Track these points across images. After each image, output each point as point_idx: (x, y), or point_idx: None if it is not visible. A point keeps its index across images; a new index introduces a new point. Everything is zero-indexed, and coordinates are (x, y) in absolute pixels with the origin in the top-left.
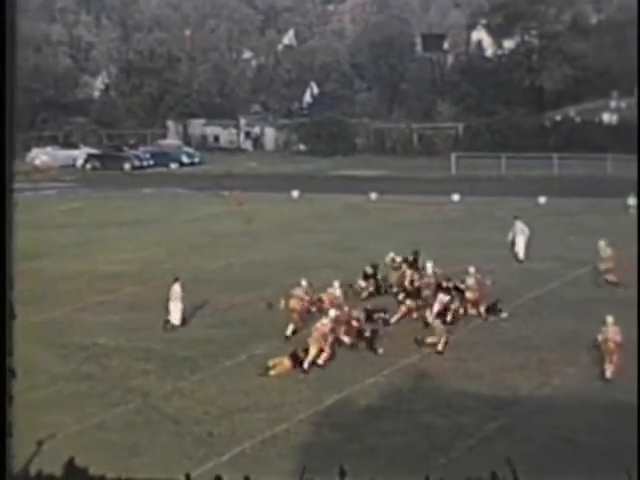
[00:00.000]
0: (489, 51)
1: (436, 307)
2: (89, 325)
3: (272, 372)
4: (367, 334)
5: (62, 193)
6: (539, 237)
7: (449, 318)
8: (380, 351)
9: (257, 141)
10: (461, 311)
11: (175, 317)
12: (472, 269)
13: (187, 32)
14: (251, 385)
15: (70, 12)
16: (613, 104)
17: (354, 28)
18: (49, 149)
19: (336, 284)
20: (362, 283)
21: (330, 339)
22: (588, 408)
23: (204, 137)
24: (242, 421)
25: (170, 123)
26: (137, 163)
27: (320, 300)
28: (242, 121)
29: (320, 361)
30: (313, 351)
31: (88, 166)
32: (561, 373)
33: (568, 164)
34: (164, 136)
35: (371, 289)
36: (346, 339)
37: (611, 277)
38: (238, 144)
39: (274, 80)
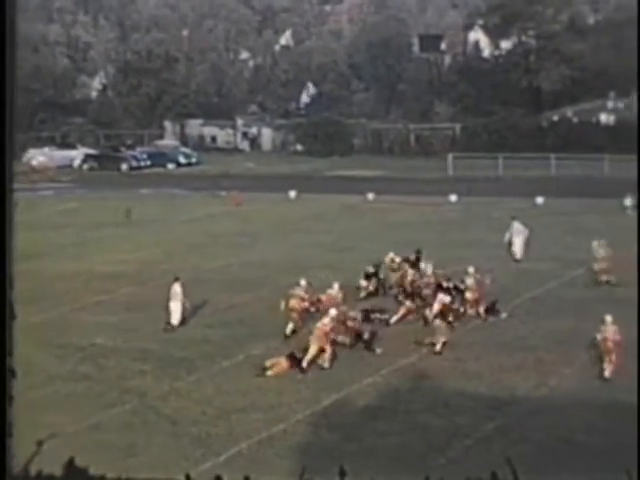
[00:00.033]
0: (486, 52)
1: (436, 307)
2: (86, 325)
3: (269, 372)
4: (366, 336)
5: (59, 193)
6: (536, 237)
7: (451, 318)
8: (378, 351)
9: (254, 141)
10: (461, 310)
11: (175, 317)
12: (471, 269)
13: (185, 32)
14: (248, 385)
15: (68, 12)
16: (610, 104)
17: (351, 29)
18: (46, 149)
19: (336, 285)
20: (363, 283)
21: (331, 338)
22: (585, 408)
23: (201, 137)
24: (239, 421)
25: (167, 123)
26: (134, 163)
27: (319, 300)
28: (239, 121)
29: (325, 364)
30: (313, 350)
31: (85, 166)
32: (558, 373)
33: (565, 164)
34: (161, 136)
35: (371, 289)
36: (341, 339)
37: (605, 277)
38: (235, 144)
39: (271, 80)
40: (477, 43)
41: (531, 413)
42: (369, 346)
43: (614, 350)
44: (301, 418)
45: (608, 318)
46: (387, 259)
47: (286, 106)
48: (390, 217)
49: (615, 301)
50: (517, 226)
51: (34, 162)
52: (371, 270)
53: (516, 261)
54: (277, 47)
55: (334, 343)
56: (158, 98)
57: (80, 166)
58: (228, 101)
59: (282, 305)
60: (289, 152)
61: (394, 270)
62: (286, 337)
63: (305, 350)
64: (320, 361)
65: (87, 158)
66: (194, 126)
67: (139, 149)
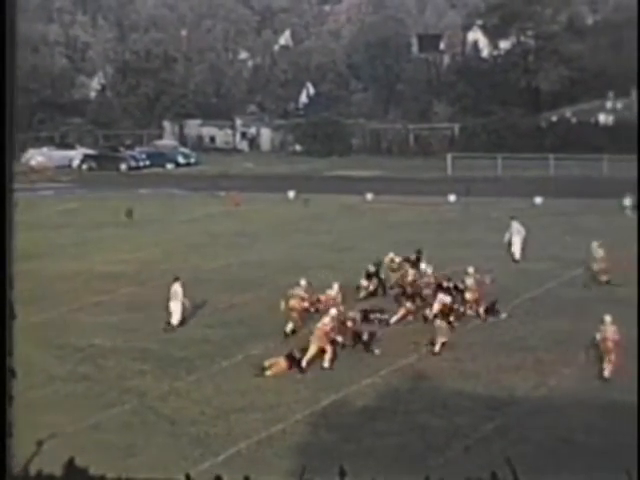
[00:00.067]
0: (485, 52)
1: (436, 307)
2: (85, 326)
3: (268, 372)
4: (365, 337)
5: (58, 194)
6: (535, 237)
7: (452, 318)
8: (377, 352)
9: (253, 141)
10: (461, 310)
11: (175, 317)
12: (471, 269)
13: (183, 32)
14: (247, 385)
15: (66, 12)
16: (609, 105)
17: (350, 29)
18: (45, 150)
19: (335, 286)
20: (364, 282)
21: (331, 339)
22: (585, 408)
23: (200, 137)
24: (238, 421)
25: (166, 123)
26: (133, 163)
27: (318, 300)
28: (238, 121)
29: (326, 364)
30: (313, 350)
31: (84, 166)
32: (557, 373)
33: (564, 165)
34: (160, 136)
35: (372, 288)
36: (339, 339)
37: (604, 277)
38: (234, 144)
39: (270, 80)
40: (476, 43)
41: (530, 413)
42: (368, 347)
43: (614, 350)
44: (300, 418)
45: (607, 318)
46: (387, 259)
47: (285, 106)
48: (389, 217)
49: (614, 301)
50: (516, 226)
51: (33, 162)
52: (372, 269)
53: (515, 261)
54: (276, 47)
55: (334, 343)
56: (157, 98)
57: (79, 166)
58: (227, 101)
59: (282, 305)
60: (288, 152)
61: (394, 270)
62: (286, 336)
63: (304, 350)
64: (321, 361)
65: (86, 158)
66: (193, 126)
67: (138, 149)
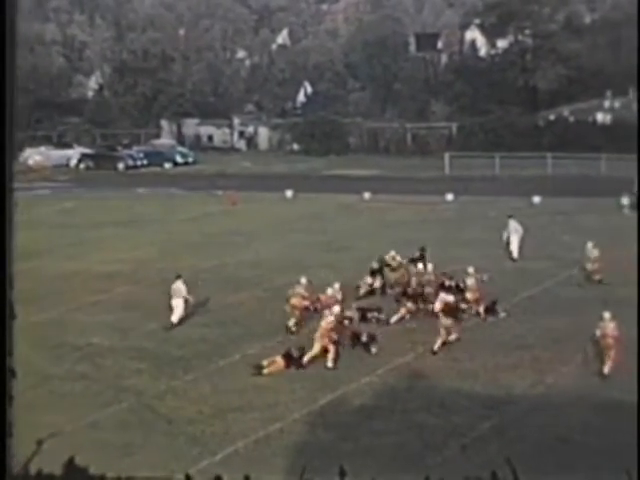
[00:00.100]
0: (483, 51)
1: (437, 306)
2: (83, 325)
3: (265, 371)
4: (364, 338)
5: (56, 193)
6: (533, 236)
7: (458, 316)
8: (374, 350)
9: (251, 141)
10: (464, 308)
11: (175, 315)
12: (471, 269)
13: (181, 32)
14: (245, 384)
15: (64, 12)
16: (607, 104)
17: (348, 28)
18: (42, 149)
19: (336, 285)
20: (369, 279)
21: (333, 339)
22: (582, 406)
23: (198, 137)
24: (236, 420)
25: (164, 123)
26: (131, 163)
27: (318, 300)
28: (236, 121)
29: (329, 363)
30: (317, 348)
31: (82, 166)
32: (555, 372)
33: (562, 164)
34: (158, 136)
35: (377, 285)
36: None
37: (598, 277)
38: (232, 144)
39: (268, 80)
40: (473, 42)
41: (528, 412)
42: (367, 348)
43: (614, 346)
44: (298, 417)
45: (606, 315)
46: (388, 257)
47: (283, 105)
48: (387, 216)
49: (611, 300)
50: (514, 225)
51: (31, 161)
52: (375, 266)
53: (513, 260)
54: (274, 46)
55: (336, 343)
56: (154, 97)
57: (77, 165)
58: (225, 100)
59: (287, 308)
60: (285, 151)
61: (393, 269)
62: (289, 331)
63: (302, 349)
64: (324, 361)
65: (84, 157)
66: (191, 125)
67: (136, 148)
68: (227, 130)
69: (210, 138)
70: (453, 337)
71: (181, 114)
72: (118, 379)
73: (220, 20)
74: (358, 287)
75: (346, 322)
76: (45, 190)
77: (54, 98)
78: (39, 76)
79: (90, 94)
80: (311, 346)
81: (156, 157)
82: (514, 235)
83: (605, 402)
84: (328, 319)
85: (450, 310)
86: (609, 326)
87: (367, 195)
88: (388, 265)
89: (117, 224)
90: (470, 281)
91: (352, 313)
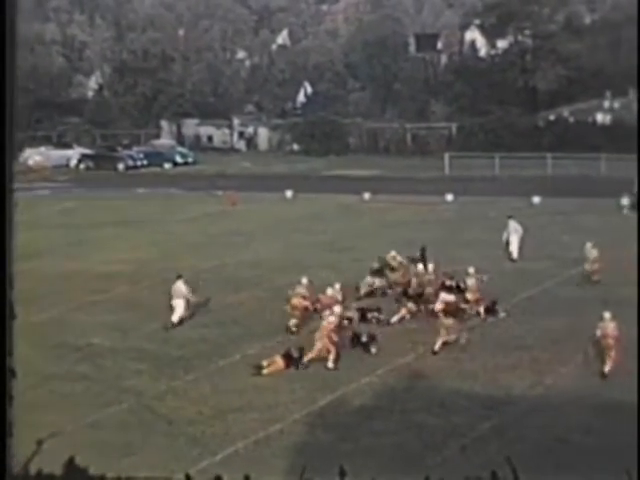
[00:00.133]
0: (482, 51)
1: (438, 306)
2: (83, 325)
3: (265, 371)
4: (364, 339)
5: (56, 193)
6: (533, 237)
7: (459, 316)
8: (373, 350)
9: (251, 141)
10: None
11: (175, 315)
12: (471, 270)
13: (181, 32)
14: (245, 385)
15: (64, 11)
16: (607, 104)
17: (347, 28)
18: (42, 149)
19: (337, 285)
20: (369, 279)
21: (335, 338)
22: (581, 407)
23: (198, 137)
24: (236, 421)
25: (164, 123)
26: (131, 163)
27: (318, 300)
28: (236, 121)
29: (330, 364)
30: (318, 349)
31: (82, 166)
32: (554, 372)
33: (562, 164)
34: (158, 136)
35: (378, 284)
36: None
37: (597, 277)
38: (232, 144)
39: (268, 80)
40: (473, 42)
41: (527, 412)
42: (367, 348)
43: (614, 346)
44: (297, 418)
45: (607, 315)
46: (388, 257)
47: (282, 105)
48: (386, 216)
49: (611, 301)
50: (513, 225)
51: (31, 162)
52: (377, 266)
53: (513, 260)
54: (274, 46)
55: (337, 343)
56: (154, 98)
57: (76, 166)
58: (224, 101)
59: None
60: (285, 152)
61: (393, 269)
62: (291, 332)
63: (302, 349)
64: (324, 361)
65: (83, 158)
66: (190, 126)
67: (135, 149)
68: (227, 130)
69: (210, 138)
70: (458, 338)
71: (181, 114)
72: (118, 379)
73: (220, 20)
74: (358, 287)
75: (345, 322)
76: (45, 190)
77: (54, 98)
78: (39, 76)
79: (90, 94)
80: (311, 346)
81: (156, 157)
82: (514, 235)
83: (604, 403)
84: (329, 319)
85: (452, 310)
86: (609, 326)
87: (367, 195)
88: (388, 265)
89: (117, 224)
90: (470, 281)
91: (352, 313)
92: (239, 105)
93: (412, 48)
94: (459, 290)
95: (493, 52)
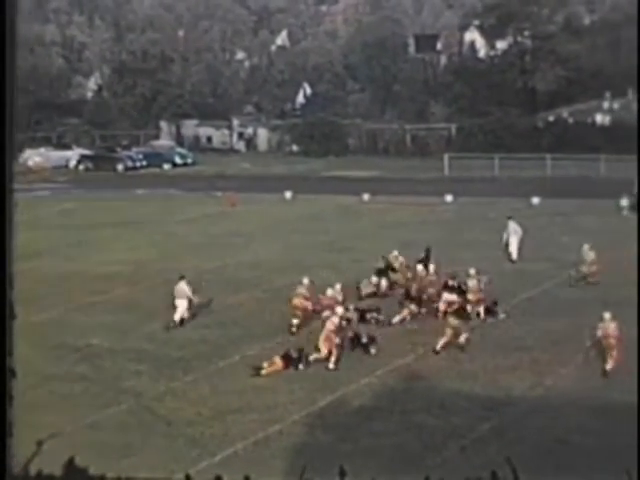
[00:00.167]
0: (482, 52)
1: (442, 306)
2: (82, 326)
3: (263, 372)
4: (364, 340)
5: (55, 194)
6: (532, 238)
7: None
8: (373, 351)
9: (250, 142)
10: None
11: (177, 315)
12: (472, 270)
13: (180, 33)
14: (244, 386)
15: (63, 13)
16: (606, 105)
17: (347, 29)
18: (42, 150)
19: (337, 286)
20: (375, 279)
21: (337, 339)
22: (581, 408)
23: (197, 138)
24: (235, 422)
25: (163, 124)
26: (130, 164)
27: (318, 301)
28: (235, 122)
29: (331, 365)
30: (323, 351)
31: (81, 167)
32: (554, 373)
33: (561, 165)
34: (157, 137)
35: (383, 285)
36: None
37: (593, 279)
38: (231, 145)
39: (267, 81)
40: (473, 43)
41: (527, 413)
42: (367, 349)
43: (615, 346)
44: (297, 419)
45: (607, 315)
46: (391, 257)
47: (282, 106)
48: (386, 217)
49: (610, 301)
50: (513, 226)
51: (30, 162)
52: (381, 266)
53: (512, 261)
54: (273, 47)
55: (339, 345)
56: (153, 98)
57: (76, 167)
58: (224, 101)
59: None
60: (285, 152)
61: (395, 270)
62: (291, 333)
63: (301, 350)
64: (325, 362)
65: (83, 159)
66: (190, 126)
67: (135, 149)
68: (226, 131)
69: (209, 139)
70: (463, 338)
71: (180, 115)
72: (117, 380)
73: (219, 21)
74: (358, 288)
75: (344, 323)
76: (44, 191)
77: (53, 99)
78: (38, 77)
79: (89, 95)
80: (311, 347)
81: (155, 158)
82: (513, 236)
83: (604, 404)
84: (333, 320)
85: (457, 310)
86: (610, 326)
87: (366, 196)
88: (390, 265)
89: (116, 225)
90: (472, 282)
91: (351, 314)
92: (238, 106)
93: (411, 49)
94: (460, 290)
95: (492, 53)
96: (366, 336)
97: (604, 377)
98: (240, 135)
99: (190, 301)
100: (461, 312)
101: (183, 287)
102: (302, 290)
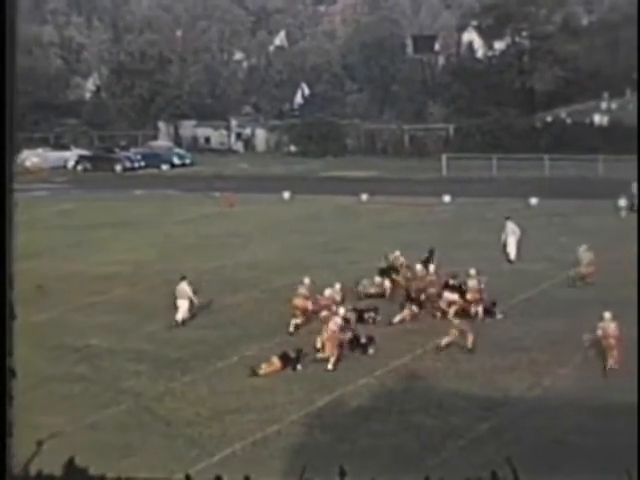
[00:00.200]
0: (480, 52)
1: (443, 305)
2: (81, 326)
3: (261, 371)
4: (363, 340)
5: (53, 194)
6: (530, 238)
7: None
8: (371, 352)
9: (248, 142)
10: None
11: (180, 314)
12: (473, 271)
13: (178, 33)
14: (242, 386)
15: (61, 13)
16: (604, 105)
17: (345, 29)
18: (40, 151)
19: (337, 286)
20: (377, 279)
21: (338, 340)
22: (579, 409)
23: (195, 138)
24: (233, 422)
25: (161, 124)
26: (128, 164)
27: (316, 301)
28: (233, 122)
29: (330, 366)
30: (328, 352)
31: (79, 167)
32: (552, 374)
33: (559, 165)
34: (155, 137)
35: (387, 285)
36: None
37: (591, 280)
38: (229, 145)
39: (265, 81)
40: (471, 44)
41: (525, 414)
42: (365, 349)
43: (616, 346)
44: (295, 419)
45: (607, 315)
46: (391, 257)
47: (280, 107)
48: (384, 218)
49: (609, 302)
50: (511, 227)
51: (28, 163)
52: (384, 266)
53: (510, 262)
54: (271, 48)
55: (340, 346)
56: (152, 99)
57: (74, 167)
58: (222, 102)
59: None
60: (283, 153)
61: (395, 270)
62: (290, 334)
63: (300, 350)
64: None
65: (81, 159)
66: (188, 127)
67: (133, 150)
68: (224, 132)
69: (207, 140)
70: (470, 342)
71: (178, 116)
72: (117, 381)
73: (217, 22)
74: (357, 288)
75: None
76: (42, 192)
77: (51, 100)
78: (37, 78)
79: (87, 96)
80: (309, 347)
81: (153, 159)
82: (511, 237)
83: (603, 404)
84: (336, 321)
85: (459, 310)
86: (610, 326)
87: (364, 196)
88: (391, 266)
89: (115, 226)
90: (471, 282)
91: (349, 315)
92: (236, 106)
93: (409, 49)
94: (461, 290)
95: (490, 53)
96: (365, 336)
97: (604, 377)
98: (238, 135)
99: (191, 302)
100: (464, 312)
101: (184, 287)
102: (303, 290)
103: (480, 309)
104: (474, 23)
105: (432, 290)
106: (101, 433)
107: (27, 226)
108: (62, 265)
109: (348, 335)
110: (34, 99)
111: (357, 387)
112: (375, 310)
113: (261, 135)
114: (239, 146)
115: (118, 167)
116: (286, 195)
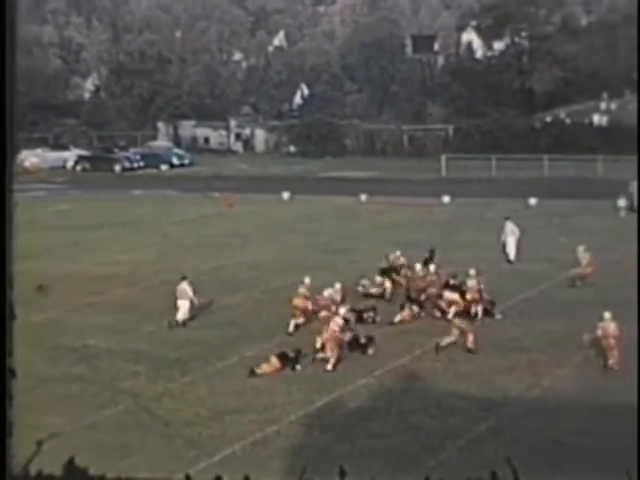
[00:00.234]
0: (479, 53)
1: (444, 305)
2: (80, 327)
3: (259, 371)
4: (362, 340)
5: (52, 195)
6: (529, 238)
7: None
8: (370, 352)
9: (247, 143)
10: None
11: (180, 314)
12: (472, 271)
13: (177, 34)
14: (242, 387)
15: (61, 14)
16: (603, 105)
17: (344, 30)
18: (39, 151)
19: (337, 286)
20: (378, 279)
21: (338, 341)
22: (579, 409)
23: (194, 139)
24: (233, 423)
25: (160, 124)
26: (127, 165)
27: (315, 301)
28: (232, 123)
29: (329, 366)
30: (329, 352)
31: (78, 168)
32: (551, 374)
33: (558, 165)
34: (154, 137)
35: (388, 285)
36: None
37: (589, 281)
38: (228, 146)
39: (264, 81)
40: (470, 44)
41: (524, 414)
42: (364, 350)
43: (616, 346)
44: (294, 419)
45: (607, 315)
46: (392, 257)
47: (279, 107)
48: (383, 218)
49: (608, 302)
50: (510, 227)
51: (27, 163)
52: (385, 266)
53: (509, 262)
54: (270, 48)
55: (340, 346)
56: (151, 99)
57: (73, 167)
58: (221, 102)
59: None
60: (282, 153)
61: (395, 270)
62: (289, 334)
63: (299, 350)
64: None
65: (80, 159)
66: (187, 127)
67: (132, 150)
68: (224, 132)
69: (207, 140)
70: (471, 342)
71: (177, 116)
72: (115, 381)
73: (217, 22)
74: (357, 289)
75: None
76: (41, 192)
77: (51, 100)
78: (36, 78)
79: (87, 96)
80: (309, 347)
81: (152, 159)
82: (511, 237)
83: (603, 404)
84: (337, 321)
85: (460, 310)
86: (610, 326)
87: (364, 197)
88: (392, 266)
89: (114, 226)
90: (471, 282)
91: (349, 314)
92: (236, 107)
93: (409, 50)
94: (461, 290)
95: (490, 54)
96: (364, 337)
97: (604, 377)
98: (237, 136)
99: (192, 302)
100: (464, 312)
101: (185, 288)
102: (302, 290)
103: (480, 309)
104: (473, 23)
105: (432, 290)
106: (100, 433)
107: (26, 226)
108: (61, 265)
109: (348, 335)
110: (33, 99)
111: (356, 387)
112: (374, 310)
113: (260, 135)
114: (238, 146)
115: (117, 167)
116: (285, 195)
